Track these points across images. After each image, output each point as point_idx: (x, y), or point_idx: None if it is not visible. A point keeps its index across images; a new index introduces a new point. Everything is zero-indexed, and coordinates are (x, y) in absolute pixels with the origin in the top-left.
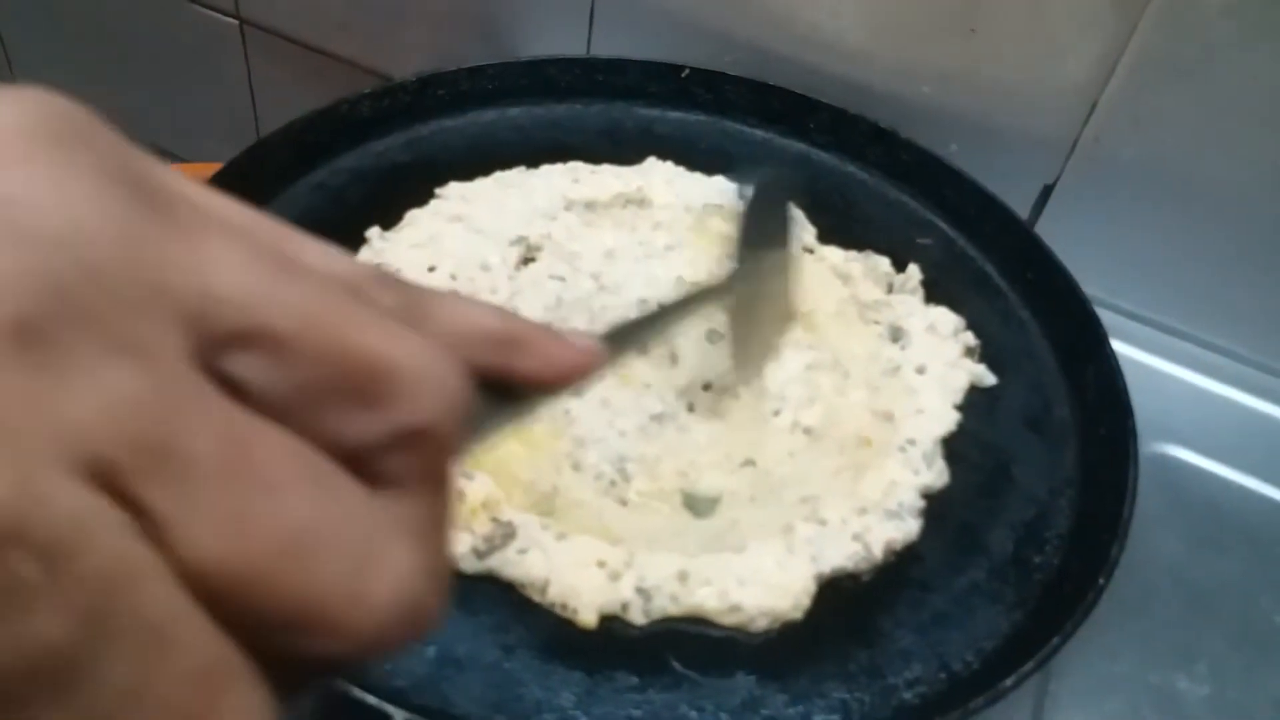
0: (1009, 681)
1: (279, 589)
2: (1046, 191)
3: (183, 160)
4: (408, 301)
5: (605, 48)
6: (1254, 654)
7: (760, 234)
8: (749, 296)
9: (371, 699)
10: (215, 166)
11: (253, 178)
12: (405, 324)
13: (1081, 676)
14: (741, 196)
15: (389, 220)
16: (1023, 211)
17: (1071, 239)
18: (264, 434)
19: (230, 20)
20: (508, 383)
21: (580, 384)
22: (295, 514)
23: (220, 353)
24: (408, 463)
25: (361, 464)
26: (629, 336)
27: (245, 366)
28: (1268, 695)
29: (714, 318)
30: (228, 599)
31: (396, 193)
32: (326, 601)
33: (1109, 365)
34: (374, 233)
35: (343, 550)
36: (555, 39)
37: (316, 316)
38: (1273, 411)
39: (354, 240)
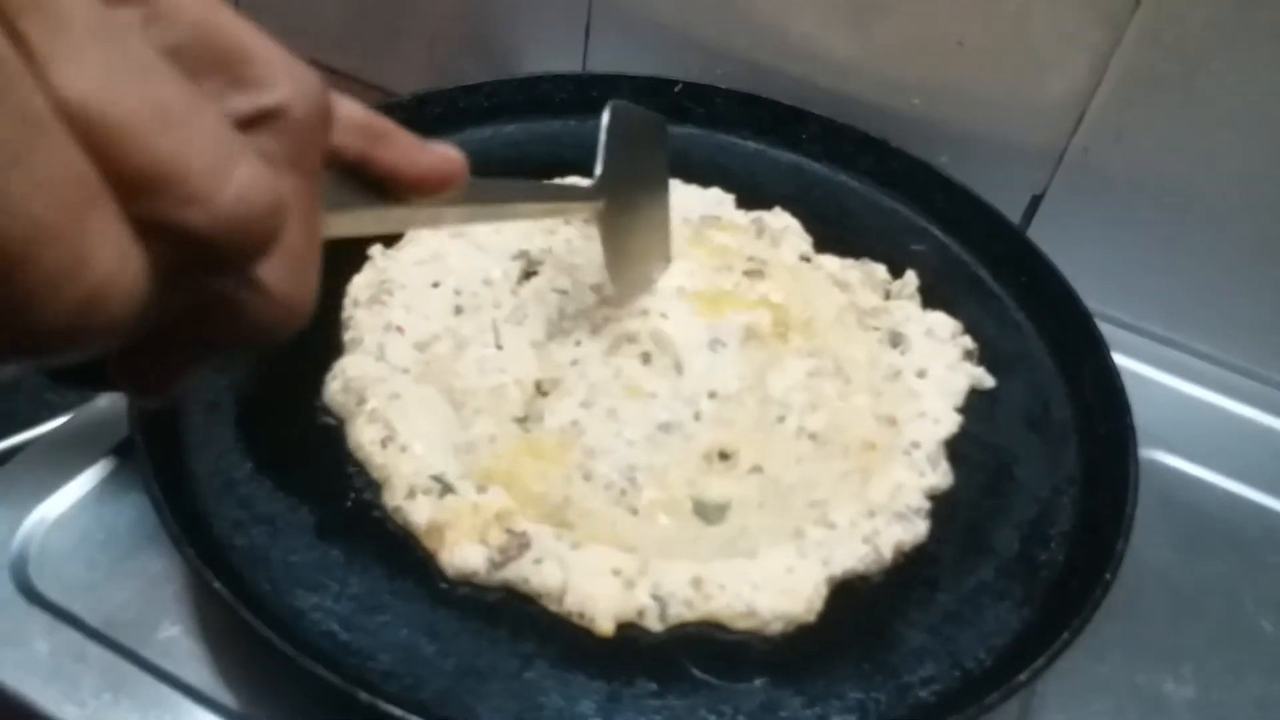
0: (1023, 677)
1: (144, 143)
2: (1035, 202)
3: None
4: None
5: (601, 63)
6: (1239, 656)
7: (627, 163)
8: (619, 217)
9: (396, 710)
10: None
11: None
12: None
13: (1068, 678)
14: (604, 121)
15: (391, 238)
16: (1013, 221)
17: (1060, 248)
18: (140, 36)
19: None
20: (368, 174)
21: (439, 193)
22: (164, 90)
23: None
24: (273, 143)
25: None
26: (491, 188)
27: (127, 16)
28: (1252, 697)
29: (717, 328)
30: (95, 140)
31: None
32: (186, 166)
33: (1106, 364)
34: (376, 250)
35: (204, 134)
36: (551, 55)
37: None
38: (1258, 417)
39: (357, 258)
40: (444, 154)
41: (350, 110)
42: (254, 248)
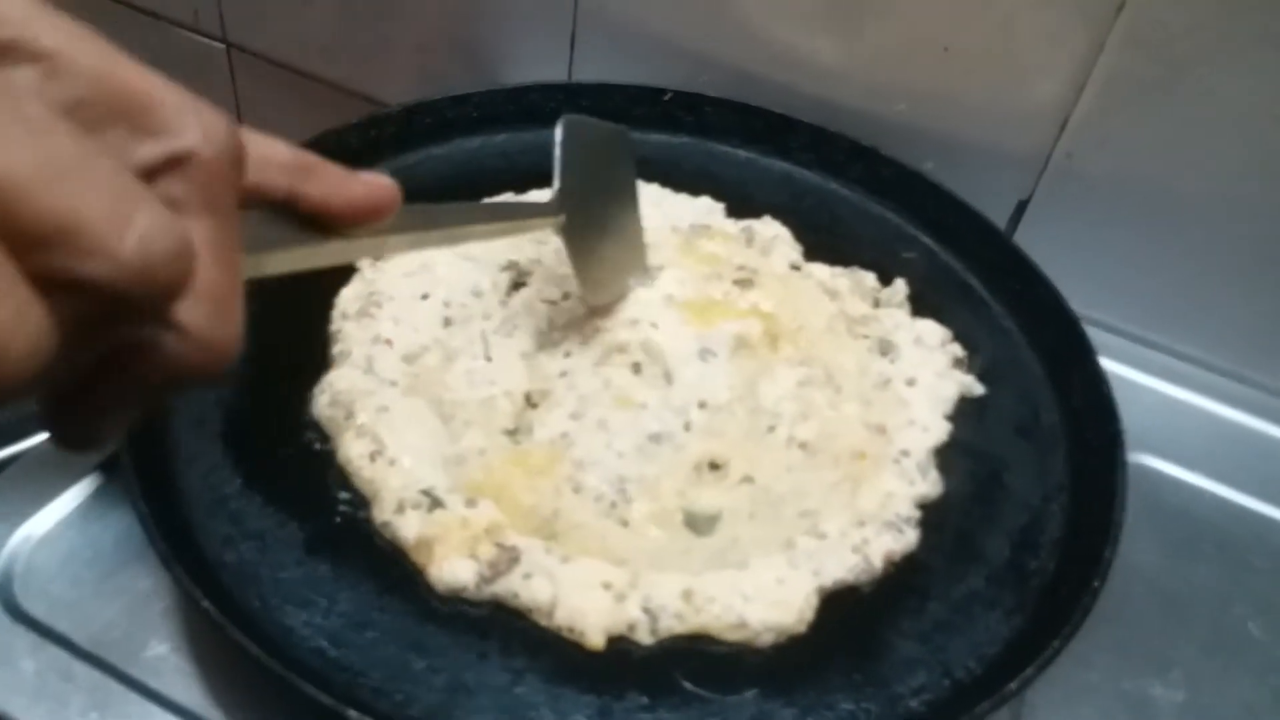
0: (1013, 686)
1: (36, 198)
2: (1021, 207)
3: None
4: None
5: (586, 73)
6: (1227, 660)
7: (587, 176)
8: (583, 231)
9: None
10: None
11: None
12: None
13: (1058, 685)
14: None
15: None
16: (998, 226)
17: (1046, 253)
18: (26, 96)
19: (217, 44)
20: (299, 209)
21: (371, 222)
22: (55, 144)
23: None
24: (183, 187)
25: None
26: (437, 213)
27: (23, 77)
28: (1241, 701)
29: (707, 338)
30: None
31: None
32: (83, 219)
33: (1094, 372)
34: (365, 262)
35: (100, 185)
36: (537, 64)
37: (87, 45)
38: (1245, 420)
39: (344, 270)
40: (373, 183)
41: (272, 148)
42: (162, 293)
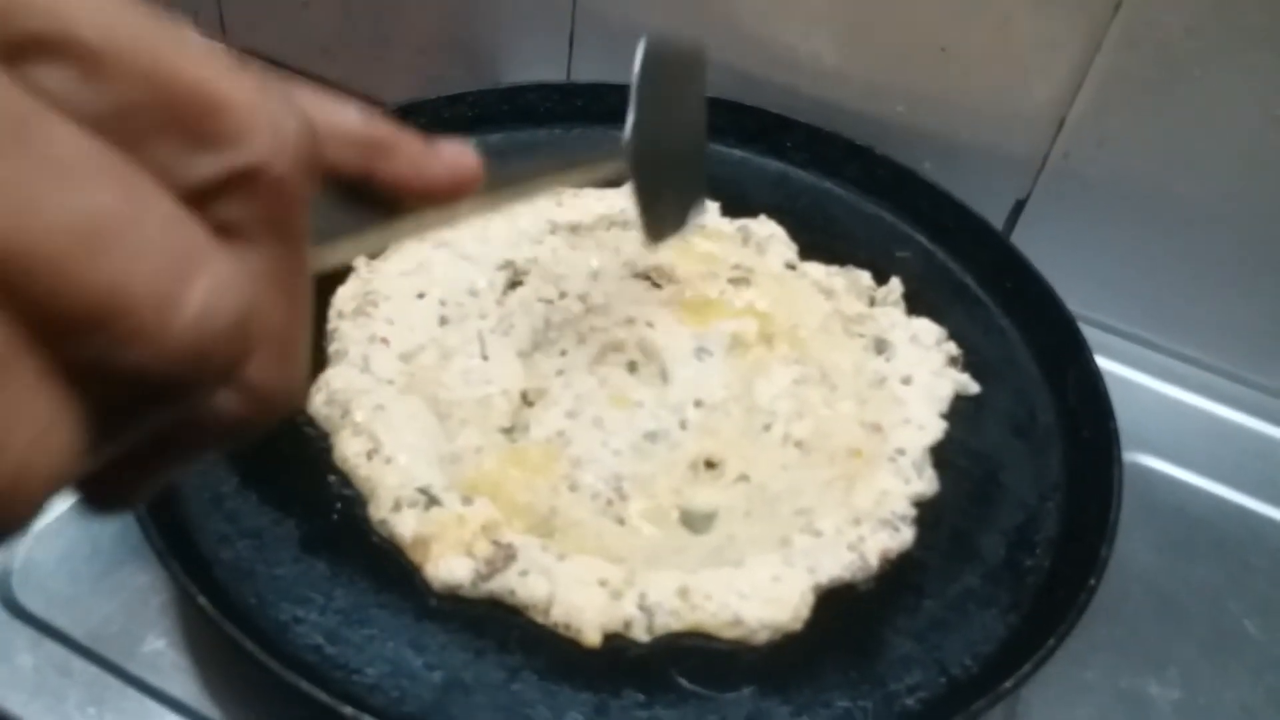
0: (1009, 684)
1: (71, 277)
2: (1019, 207)
3: None
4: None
5: (585, 72)
6: (1224, 659)
7: (661, 107)
8: (652, 166)
9: None
10: None
11: None
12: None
13: (1052, 684)
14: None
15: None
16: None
17: (1044, 253)
18: (56, 122)
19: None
20: (372, 189)
21: (453, 202)
22: (90, 201)
23: (24, 58)
24: (246, 210)
25: (201, 213)
26: (507, 174)
27: (55, 79)
28: (1238, 700)
29: (703, 337)
30: (12, 284)
31: None
32: (129, 296)
33: (1089, 370)
34: (360, 261)
35: (150, 247)
36: (537, 64)
37: (136, 35)
38: (1241, 420)
39: (341, 269)
40: (455, 158)
41: (343, 117)
42: (221, 373)
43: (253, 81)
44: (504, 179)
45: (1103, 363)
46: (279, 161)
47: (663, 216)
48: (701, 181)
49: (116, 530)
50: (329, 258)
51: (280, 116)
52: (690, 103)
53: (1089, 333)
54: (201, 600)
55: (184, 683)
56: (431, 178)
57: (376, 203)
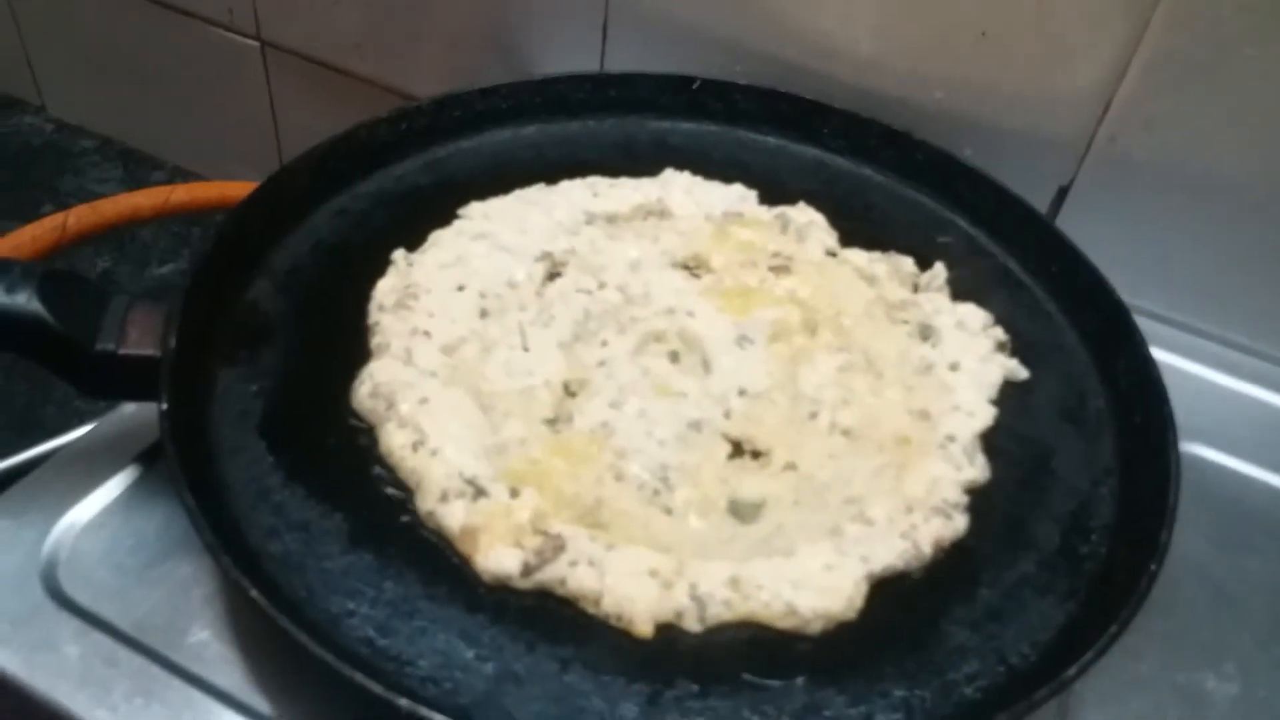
0: (1071, 671)
1: None
2: (1062, 193)
3: (206, 177)
4: None
5: (619, 63)
6: None
7: None
8: None
9: (437, 716)
10: (243, 185)
11: (273, 208)
12: None
13: (1106, 677)
14: None
15: (413, 242)
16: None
17: (1089, 239)
18: None
19: (252, 42)
20: None
21: None
22: None
23: None
24: None
25: None
26: None
27: None
28: None
29: (744, 325)
30: None
31: (418, 215)
32: None
33: (1141, 354)
34: (399, 254)
35: None
36: (570, 55)
37: None
38: None
39: (379, 263)
40: None
41: None
42: None
43: None
44: None
45: (1152, 350)
46: None
47: None
48: None
49: (160, 522)
50: None
51: None
52: None
53: (1137, 320)
54: (254, 594)
55: (230, 674)
56: None
57: None
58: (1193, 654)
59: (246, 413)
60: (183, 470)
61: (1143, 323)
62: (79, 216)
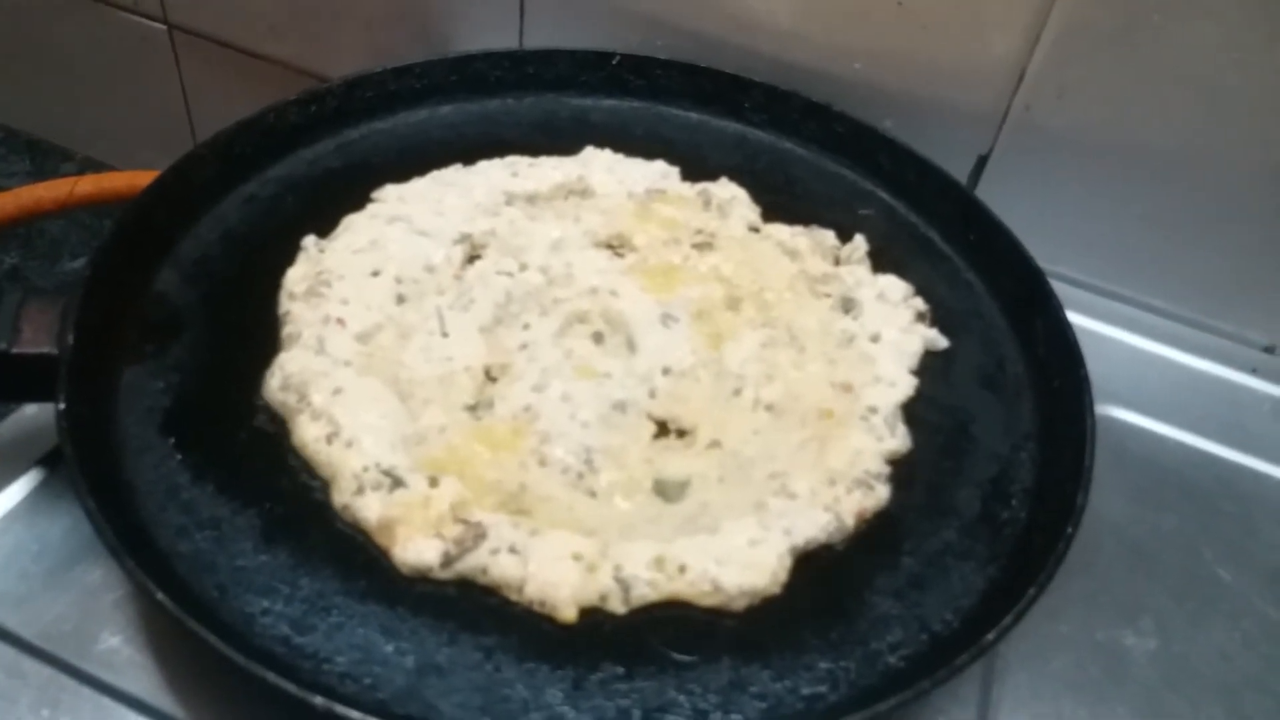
0: (991, 636)
1: None
2: (982, 162)
3: (117, 168)
4: None
5: (538, 39)
6: (1198, 607)
7: None
8: None
9: (354, 713)
10: (153, 174)
11: (179, 195)
12: None
13: (1028, 638)
14: None
15: (326, 228)
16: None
17: (1008, 208)
18: None
19: (159, 25)
20: None
21: None
22: None
23: None
24: None
25: None
26: None
27: None
28: (1214, 647)
29: (668, 304)
30: None
31: (330, 199)
32: None
33: (1057, 318)
34: (309, 241)
35: None
36: (488, 32)
37: None
38: (1207, 368)
39: (291, 250)
40: None
41: None
42: None
43: None
44: None
45: (1070, 315)
46: None
47: None
48: None
49: (66, 526)
50: None
51: None
52: None
53: (1055, 286)
54: (160, 596)
55: (142, 680)
56: None
57: None
58: (1111, 612)
59: (153, 410)
60: (82, 472)
61: (1060, 288)
62: None
